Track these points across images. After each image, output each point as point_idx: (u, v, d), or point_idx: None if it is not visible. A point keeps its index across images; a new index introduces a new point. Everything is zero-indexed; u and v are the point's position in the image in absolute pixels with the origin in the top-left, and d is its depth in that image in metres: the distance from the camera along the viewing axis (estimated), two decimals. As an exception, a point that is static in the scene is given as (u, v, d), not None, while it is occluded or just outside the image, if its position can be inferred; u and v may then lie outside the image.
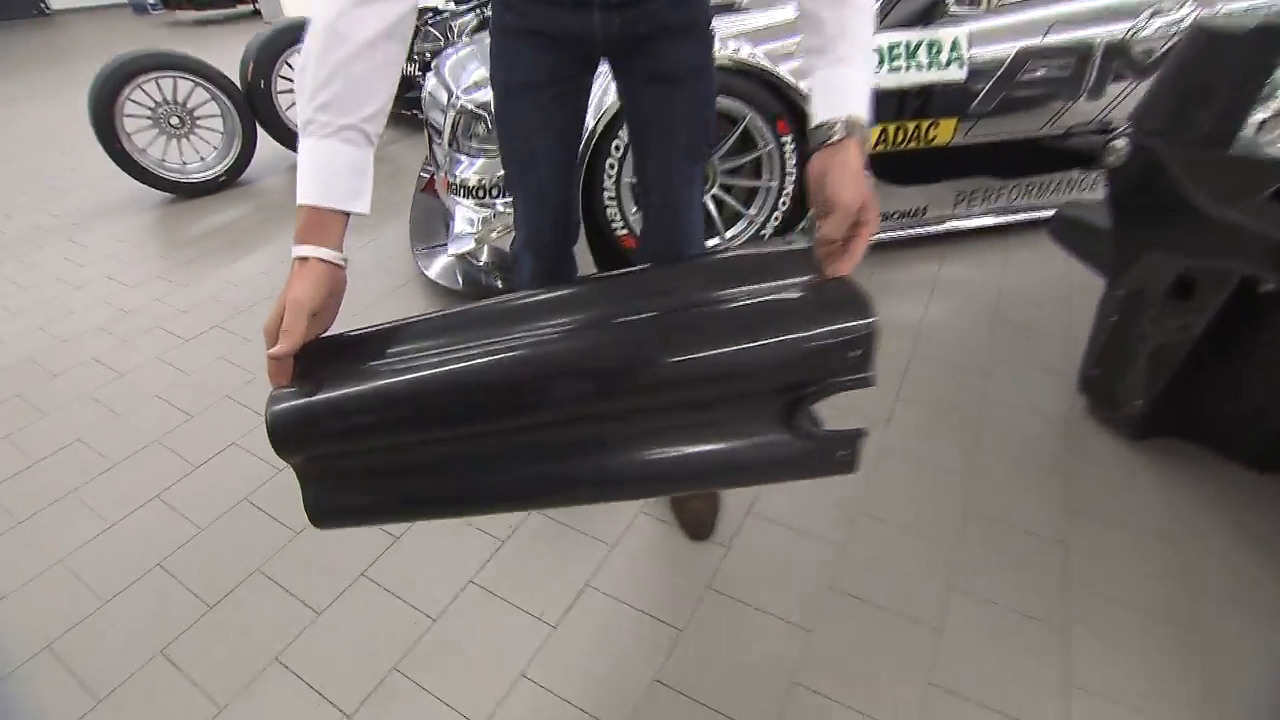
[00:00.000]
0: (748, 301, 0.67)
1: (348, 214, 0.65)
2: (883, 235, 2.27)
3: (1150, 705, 1.03)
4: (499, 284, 2.06)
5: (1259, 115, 2.08)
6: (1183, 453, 1.49)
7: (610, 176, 1.97)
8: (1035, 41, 2.08)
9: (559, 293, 0.74)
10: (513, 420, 0.66)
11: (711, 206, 2.14)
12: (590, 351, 0.66)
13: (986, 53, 2.06)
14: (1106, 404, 1.56)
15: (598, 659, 1.12)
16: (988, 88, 2.10)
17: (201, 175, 3.29)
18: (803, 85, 0.75)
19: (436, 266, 2.19)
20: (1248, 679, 1.07)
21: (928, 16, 2.03)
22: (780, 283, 0.68)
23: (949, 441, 1.57)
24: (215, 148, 3.37)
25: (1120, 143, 1.35)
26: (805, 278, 0.68)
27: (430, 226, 2.41)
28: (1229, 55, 1.23)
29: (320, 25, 0.63)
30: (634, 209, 2.04)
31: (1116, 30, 2.11)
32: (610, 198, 2.00)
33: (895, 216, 2.26)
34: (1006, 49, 2.07)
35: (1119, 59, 2.14)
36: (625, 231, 2.05)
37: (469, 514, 0.72)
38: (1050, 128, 2.24)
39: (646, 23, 1.00)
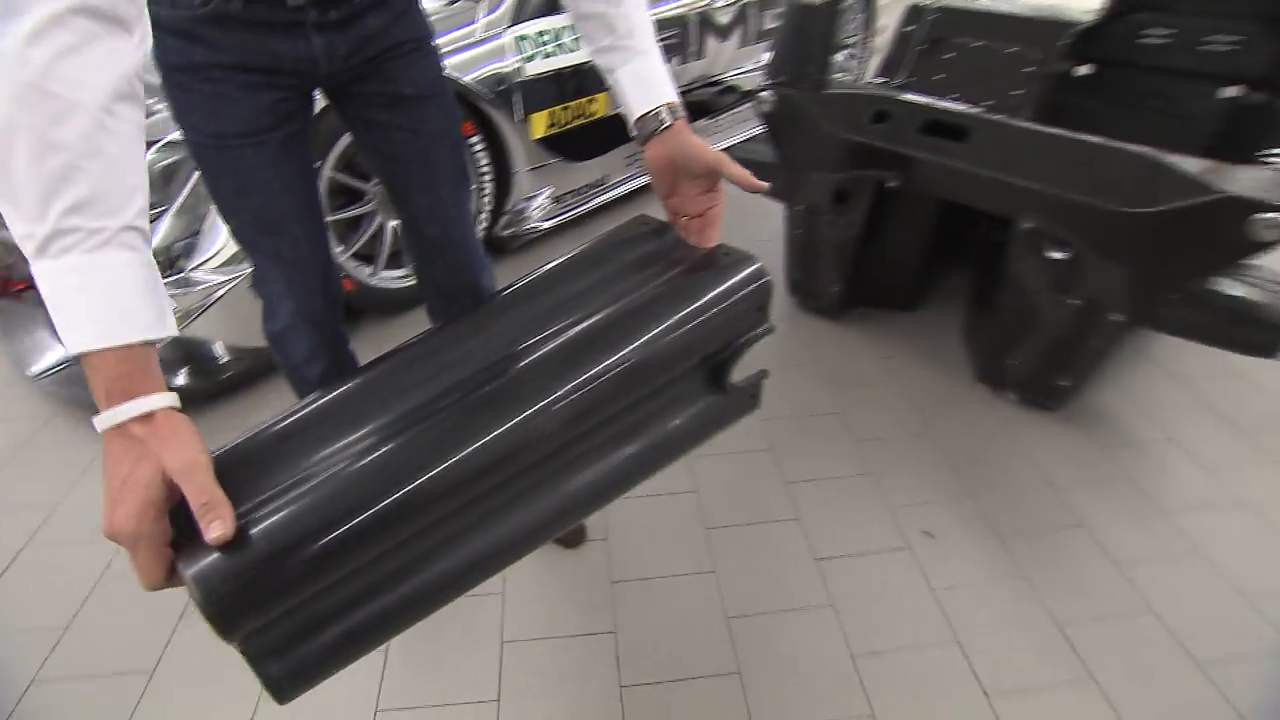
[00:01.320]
0: (646, 291, 0.66)
1: (155, 343, 0.49)
2: (578, 210, 2.43)
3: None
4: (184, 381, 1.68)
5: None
6: (868, 315, 2.00)
7: None
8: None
9: (448, 344, 0.67)
10: (467, 496, 0.59)
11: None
12: (526, 408, 0.59)
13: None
14: (811, 297, 1.98)
15: (558, 703, 1.11)
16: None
17: None
18: (608, 80, 0.78)
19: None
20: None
21: (555, 4, 2.18)
22: (663, 264, 0.71)
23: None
24: None
25: (766, 94, 1.68)
26: (682, 253, 0.73)
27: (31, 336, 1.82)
28: (815, 19, 1.61)
29: (17, 92, 0.43)
30: (349, 249, 1.85)
31: (700, 4, 2.54)
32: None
33: (584, 189, 2.43)
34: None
35: (707, 26, 2.58)
36: (342, 274, 1.85)
37: (439, 607, 0.64)
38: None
39: (375, 43, 0.91)
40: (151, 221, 1.47)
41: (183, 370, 1.67)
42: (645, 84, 0.77)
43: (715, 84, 2.78)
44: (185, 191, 1.61)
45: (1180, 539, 1.39)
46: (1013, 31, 2.29)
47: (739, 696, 1.09)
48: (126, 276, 0.47)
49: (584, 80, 2.26)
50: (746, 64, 2.96)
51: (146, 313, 0.48)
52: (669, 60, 2.11)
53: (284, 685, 0.54)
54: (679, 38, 2.50)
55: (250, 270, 1.23)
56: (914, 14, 2.40)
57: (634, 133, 0.78)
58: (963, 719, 1.07)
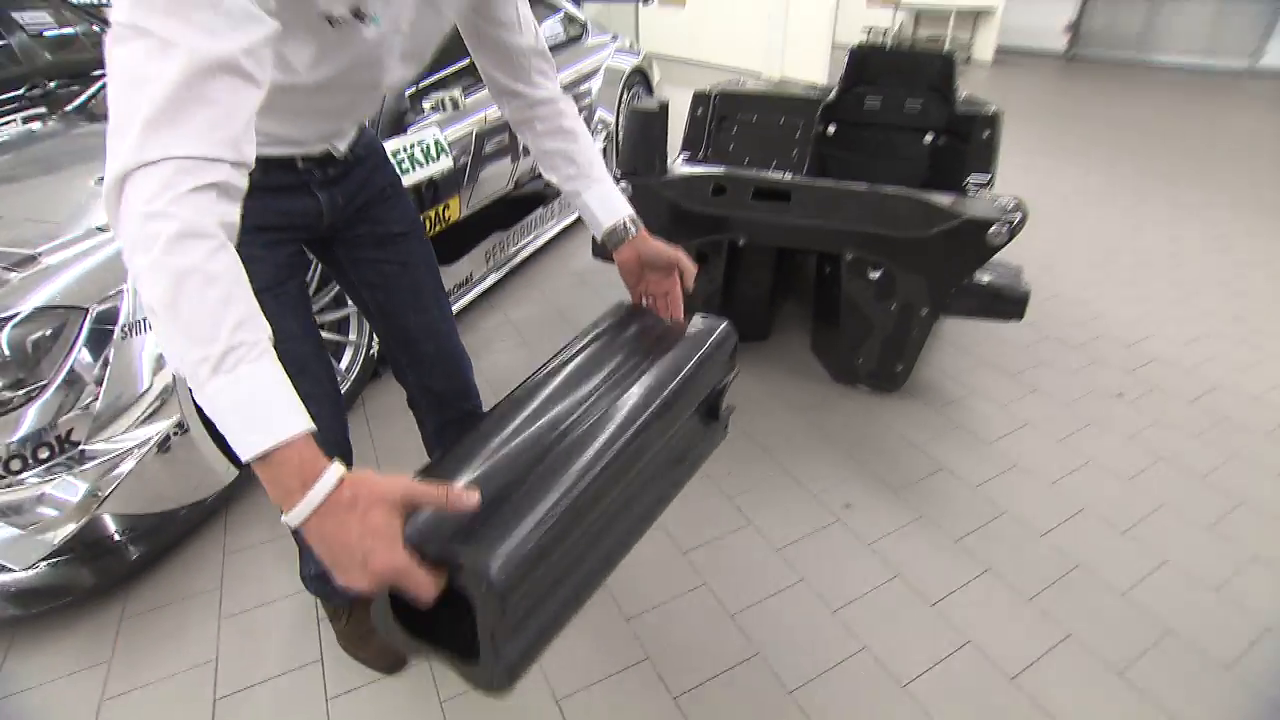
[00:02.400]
0: (661, 359, 0.88)
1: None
2: (455, 307, 2.56)
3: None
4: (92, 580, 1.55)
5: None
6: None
7: None
8: (479, 124, 2.64)
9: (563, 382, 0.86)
10: (610, 494, 0.75)
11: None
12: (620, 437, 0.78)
13: (457, 139, 2.51)
14: None
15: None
16: (468, 166, 2.57)
17: None
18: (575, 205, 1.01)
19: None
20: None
21: (400, 123, 2.34)
22: (661, 335, 0.94)
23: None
24: None
25: (623, 183, 2.00)
26: (668, 326, 0.98)
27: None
28: (653, 122, 1.98)
29: (176, 231, 0.52)
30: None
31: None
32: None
33: (456, 289, 2.57)
34: (467, 133, 2.56)
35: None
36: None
37: (598, 587, 0.80)
38: (512, 183, 2.88)
39: (363, 192, 1.07)
40: (23, 404, 1.40)
41: (86, 568, 1.54)
42: (608, 204, 1.04)
43: (540, 175, 3.09)
44: (68, 363, 1.52)
45: (1002, 458, 1.89)
46: (778, 107, 2.90)
47: (767, 670, 1.33)
48: (281, 379, 0.56)
49: (437, 190, 2.44)
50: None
51: (300, 406, 0.56)
52: (504, 161, 2.42)
53: (515, 668, 0.64)
54: (509, 140, 2.77)
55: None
56: (699, 100, 2.93)
57: (601, 239, 1.04)
58: (920, 626, 1.41)
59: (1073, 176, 4.55)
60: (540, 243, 3.10)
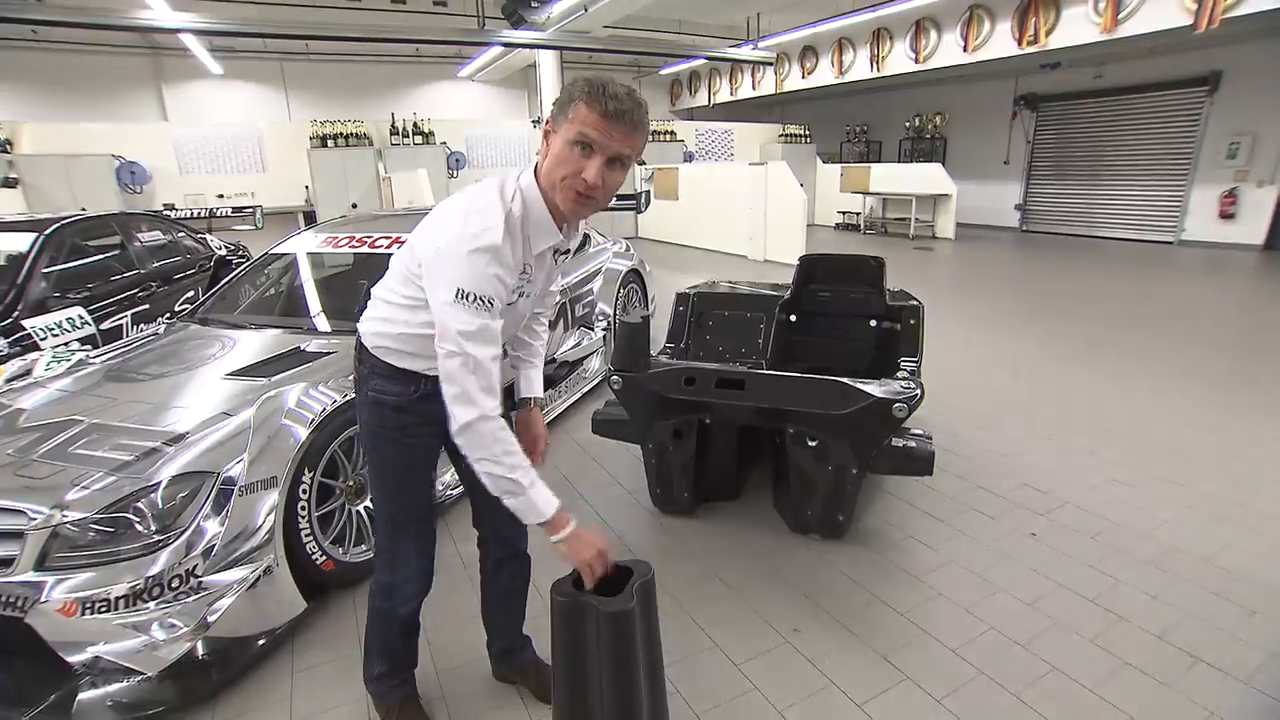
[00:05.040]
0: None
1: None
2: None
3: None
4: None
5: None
6: (710, 507, 2.86)
7: (304, 510, 2.21)
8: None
9: None
10: None
11: (366, 518, 2.50)
12: None
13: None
14: (670, 504, 2.82)
15: None
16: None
17: None
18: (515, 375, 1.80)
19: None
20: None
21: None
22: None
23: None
24: None
25: (615, 377, 2.61)
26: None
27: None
28: (638, 331, 2.63)
29: (497, 425, 1.32)
30: (329, 539, 2.31)
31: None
32: (306, 532, 2.22)
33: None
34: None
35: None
36: (324, 558, 2.29)
37: None
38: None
39: None
40: (161, 546, 1.89)
41: (178, 684, 1.91)
42: (532, 384, 1.78)
43: (551, 361, 3.77)
44: (199, 516, 2.02)
45: (928, 589, 2.32)
46: (746, 305, 3.60)
47: None
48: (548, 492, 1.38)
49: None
50: (570, 342, 4.03)
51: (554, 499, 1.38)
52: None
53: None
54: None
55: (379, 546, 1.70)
56: (681, 299, 3.65)
57: (518, 406, 1.74)
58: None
59: (1012, 345, 5.26)
60: (550, 418, 3.69)
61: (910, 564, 2.48)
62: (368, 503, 2.54)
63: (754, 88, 14.70)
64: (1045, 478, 3.09)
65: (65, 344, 3.87)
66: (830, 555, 2.55)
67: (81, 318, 4.13)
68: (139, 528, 1.97)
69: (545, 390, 3.69)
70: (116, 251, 4.74)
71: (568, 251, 1.57)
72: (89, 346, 3.72)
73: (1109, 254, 10.15)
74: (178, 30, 9.18)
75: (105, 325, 4.26)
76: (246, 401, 2.29)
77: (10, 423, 2.32)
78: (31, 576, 1.88)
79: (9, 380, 2.89)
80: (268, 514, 2.08)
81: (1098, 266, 9.07)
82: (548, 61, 11.59)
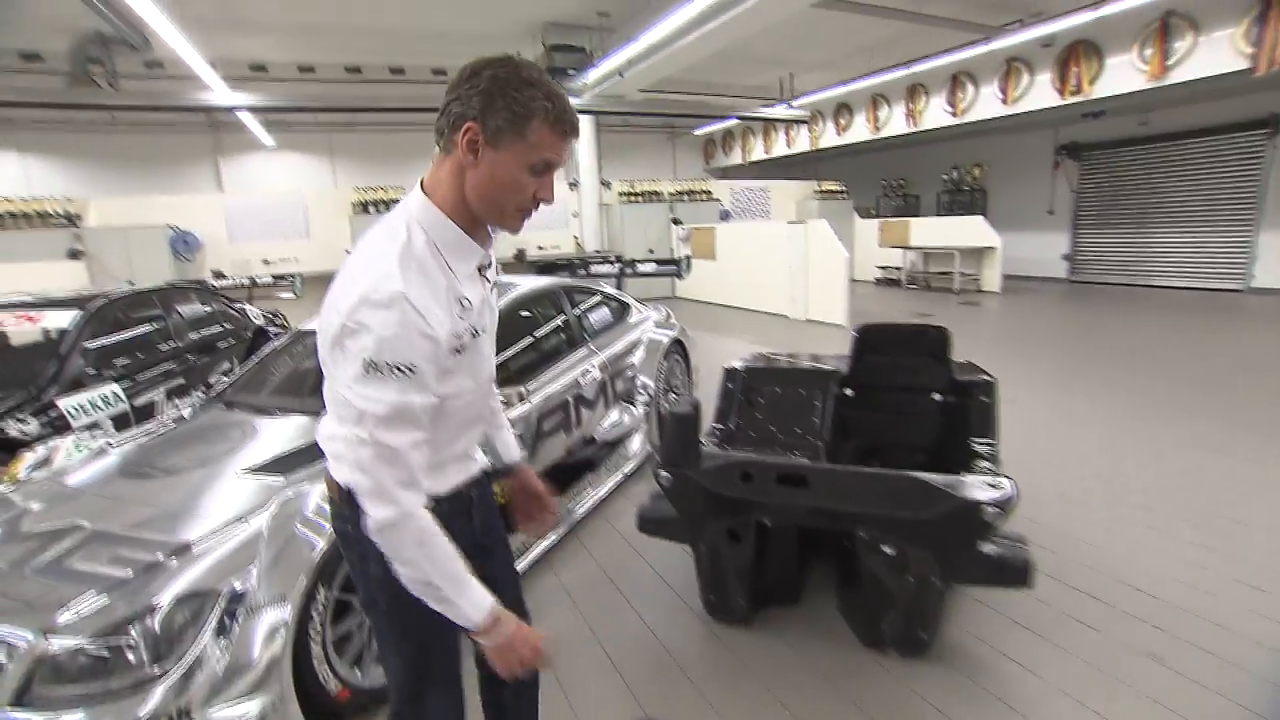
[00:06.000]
0: None
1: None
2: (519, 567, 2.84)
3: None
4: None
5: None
6: (767, 615, 2.55)
7: (317, 633, 1.97)
8: (541, 403, 3.12)
9: None
10: None
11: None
12: None
13: (519, 417, 2.98)
14: (725, 613, 2.51)
15: None
16: (531, 439, 3.00)
17: None
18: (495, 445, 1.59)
19: None
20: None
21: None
22: None
23: (656, 665, 2.22)
24: None
25: (662, 473, 2.35)
26: None
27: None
28: (687, 422, 2.38)
29: (418, 526, 1.10)
30: (345, 663, 2.07)
31: (572, 389, 3.36)
32: (319, 658, 1.98)
33: (517, 555, 2.86)
34: (525, 416, 3.03)
35: (581, 402, 3.38)
36: (339, 686, 2.04)
37: None
38: (565, 452, 3.30)
39: (489, 511, 1.46)
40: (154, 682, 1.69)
41: None
42: (509, 447, 1.59)
43: (591, 442, 3.53)
44: (199, 645, 1.80)
45: (1037, 735, 1.95)
46: (799, 380, 3.33)
47: None
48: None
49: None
50: (610, 420, 3.79)
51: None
52: (559, 434, 2.88)
53: None
54: (564, 417, 3.25)
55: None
56: (730, 376, 3.39)
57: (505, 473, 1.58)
58: None
59: (1079, 407, 4.84)
60: (590, 505, 3.43)
61: (1006, 690, 2.12)
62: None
63: (788, 145, 14.73)
64: (1153, 578, 2.69)
65: (94, 424, 3.79)
66: (911, 678, 2.20)
67: (115, 394, 4.06)
68: (131, 657, 1.76)
69: (585, 474, 3.49)
70: (156, 326, 4.73)
71: (491, 265, 1.29)
72: (102, 430, 3.63)
73: (1169, 303, 9.63)
74: (235, 108, 9.63)
75: (140, 401, 4.19)
76: (260, 504, 2.10)
77: (13, 527, 2.16)
78: (10, 715, 1.67)
79: (32, 469, 2.78)
80: (274, 640, 1.85)
81: (1160, 316, 8.58)
82: (583, 125, 11.80)
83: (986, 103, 10.37)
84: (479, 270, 1.23)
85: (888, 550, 2.15)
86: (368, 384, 1.04)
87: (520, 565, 2.86)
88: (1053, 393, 5.27)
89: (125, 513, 2.18)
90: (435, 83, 11.33)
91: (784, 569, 2.55)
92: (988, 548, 2.11)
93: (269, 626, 1.86)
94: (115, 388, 4.08)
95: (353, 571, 1.32)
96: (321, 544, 1.99)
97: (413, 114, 13.21)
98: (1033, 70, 9.57)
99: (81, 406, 3.84)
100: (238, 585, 1.87)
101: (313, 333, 3.37)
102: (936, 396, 3.28)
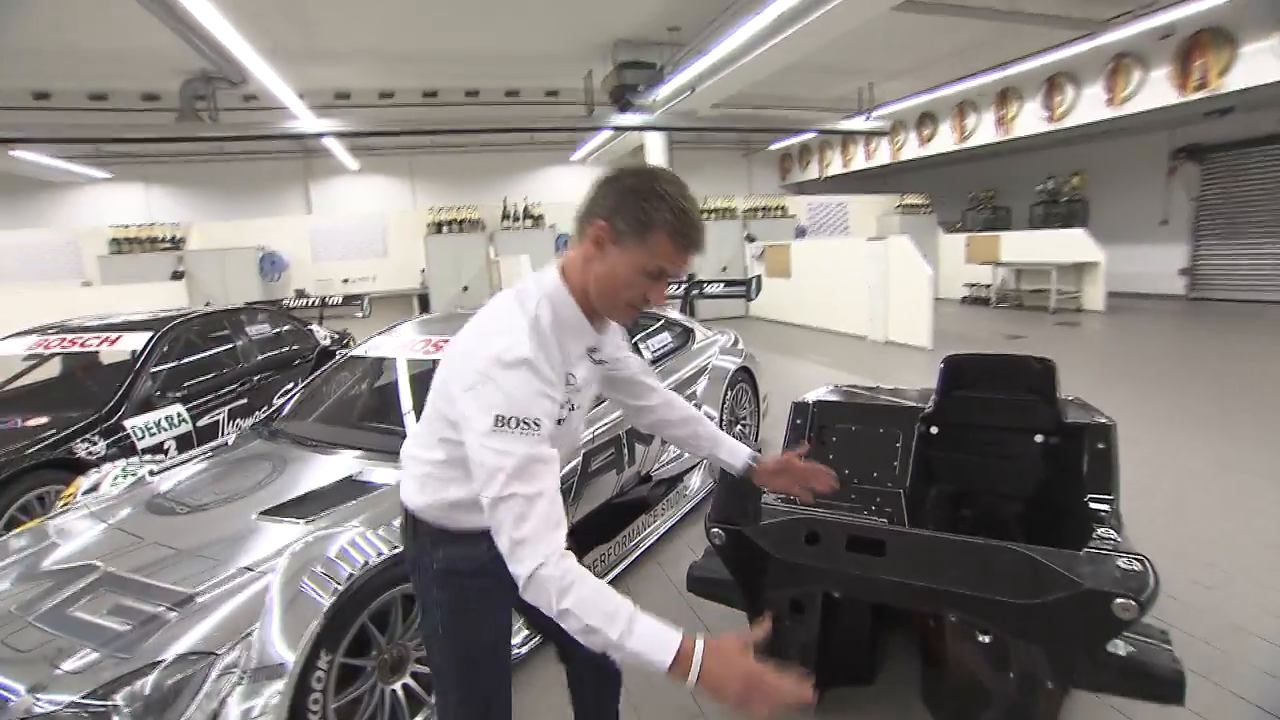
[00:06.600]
0: None
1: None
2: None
3: None
4: None
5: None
6: (835, 696, 2.19)
7: (316, 705, 1.77)
8: (589, 439, 2.88)
9: None
10: None
11: (402, 698, 2.05)
12: None
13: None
14: None
15: None
16: (574, 485, 2.76)
17: None
18: (711, 460, 1.69)
19: None
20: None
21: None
22: None
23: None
24: None
25: (715, 530, 2.04)
26: None
27: None
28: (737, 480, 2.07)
29: (576, 576, 1.06)
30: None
31: (625, 423, 3.10)
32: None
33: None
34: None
35: (634, 436, 3.12)
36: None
37: None
38: (616, 490, 3.04)
39: None
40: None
41: None
42: (735, 456, 1.65)
43: (647, 479, 3.26)
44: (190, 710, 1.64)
45: None
46: (878, 417, 2.95)
47: None
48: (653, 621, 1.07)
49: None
50: (669, 455, 3.51)
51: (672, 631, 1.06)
52: (609, 472, 2.63)
53: None
54: (615, 454, 2.99)
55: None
56: (799, 410, 3.04)
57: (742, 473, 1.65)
58: None
59: (1209, 449, 4.16)
60: (644, 547, 3.15)
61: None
62: (407, 679, 2.08)
63: (867, 158, 14.12)
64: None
65: (159, 446, 3.84)
66: (1016, 797, 1.78)
67: (180, 415, 4.12)
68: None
69: (639, 514, 3.18)
70: (223, 347, 4.81)
71: (597, 351, 1.40)
72: (165, 454, 3.64)
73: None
74: (322, 135, 10.03)
75: (203, 422, 4.24)
76: (274, 553, 1.94)
77: (34, 564, 2.09)
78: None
79: (84, 494, 2.77)
80: (264, 710, 1.66)
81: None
82: (655, 142, 11.66)
83: (1089, 105, 9.52)
84: (589, 352, 1.36)
85: (983, 638, 1.76)
86: (498, 438, 1.10)
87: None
88: (1167, 431, 4.59)
89: (140, 553, 2.07)
90: (509, 104, 11.49)
91: (855, 640, 2.19)
92: (1120, 647, 1.69)
93: (265, 696, 1.68)
94: (180, 409, 4.14)
95: (418, 599, 1.44)
96: (327, 602, 1.80)
97: (487, 135, 13.53)
98: (1146, 65, 8.69)
99: (147, 428, 3.90)
100: (236, 648, 1.70)
101: (363, 359, 3.32)
102: (1039, 438, 2.82)
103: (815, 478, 1.62)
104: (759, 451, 1.60)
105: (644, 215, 1.16)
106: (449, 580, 1.35)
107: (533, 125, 10.83)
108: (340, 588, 1.82)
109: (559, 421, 1.22)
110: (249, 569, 1.91)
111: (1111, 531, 2.07)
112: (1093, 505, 2.28)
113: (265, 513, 2.18)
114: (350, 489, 2.30)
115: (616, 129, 10.36)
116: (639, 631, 1.03)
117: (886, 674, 2.28)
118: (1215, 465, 3.97)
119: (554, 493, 1.12)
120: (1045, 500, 2.74)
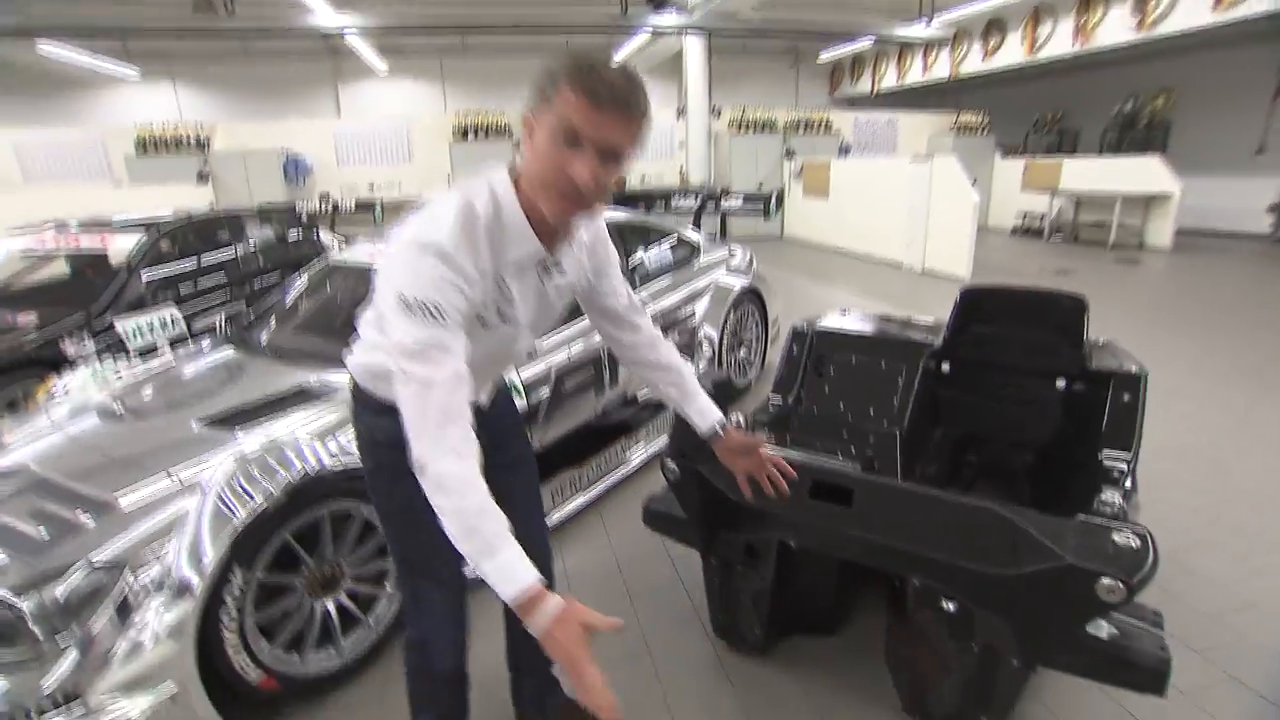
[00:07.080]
0: None
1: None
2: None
3: None
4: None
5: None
6: (793, 646, 2.06)
7: (231, 622, 1.72)
8: (563, 360, 2.70)
9: None
10: None
11: (334, 615, 1.99)
12: None
13: (534, 378, 2.58)
14: (736, 638, 2.04)
15: None
16: (545, 402, 2.61)
17: None
18: (681, 410, 1.59)
19: None
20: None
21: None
22: None
23: (643, 689, 1.81)
24: None
25: (670, 465, 1.87)
26: None
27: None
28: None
29: (438, 471, 1.04)
30: (266, 646, 1.82)
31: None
32: (234, 645, 1.73)
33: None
34: (544, 372, 2.63)
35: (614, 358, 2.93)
36: (261, 674, 1.79)
37: None
38: (597, 412, 2.88)
39: (499, 428, 1.48)
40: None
41: None
42: (706, 412, 1.57)
43: (632, 402, 3.08)
44: (100, 622, 1.59)
45: None
46: (882, 349, 2.67)
47: None
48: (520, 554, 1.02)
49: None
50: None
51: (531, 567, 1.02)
52: (586, 393, 2.57)
53: None
54: (592, 374, 2.81)
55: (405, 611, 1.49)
56: (796, 337, 2.78)
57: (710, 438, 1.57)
58: None
59: (1272, 412, 3.78)
60: (624, 474, 3.01)
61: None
62: (341, 597, 2.02)
63: (925, 71, 13.01)
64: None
65: (152, 347, 3.81)
66: (969, 767, 1.64)
67: (174, 317, 4.07)
68: (35, 628, 1.57)
69: (621, 434, 3.06)
70: (222, 250, 4.72)
71: (558, 265, 1.31)
72: (157, 353, 3.61)
73: None
74: (341, 30, 9.59)
75: (199, 325, 4.20)
76: (203, 465, 1.84)
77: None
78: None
79: (51, 396, 2.73)
80: (178, 625, 1.60)
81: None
82: (695, 47, 10.91)
83: (1189, 10, 8.39)
84: (537, 264, 1.27)
85: (946, 604, 1.57)
86: (402, 316, 1.07)
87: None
88: (1219, 387, 4.16)
89: (75, 458, 2.01)
90: (542, 3, 10.80)
91: (817, 588, 2.03)
92: (1101, 628, 1.48)
93: (176, 609, 1.61)
94: (174, 311, 4.09)
95: (365, 475, 1.42)
96: (242, 515, 1.70)
97: (520, 35, 12.85)
98: (1257, -34, 7.58)
99: (139, 329, 3.86)
100: (150, 559, 1.63)
101: (343, 267, 3.18)
102: (1060, 383, 2.53)
103: (775, 477, 1.58)
104: (730, 423, 1.57)
105: (549, 79, 1.09)
106: (370, 446, 1.39)
107: (567, 26, 10.18)
108: (258, 503, 1.72)
109: (484, 325, 1.22)
110: (176, 479, 1.82)
111: (1117, 495, 1.83)
112: (1107, 463, 2.03)
113: (205, 421, 2.08)
114: (300, 396, 2.19)
115: (653, 30, 9.66)
116: (498, 560, 1.01)
117: (855, 627, 2.13)
118: (1270, 428, 3.59)
119: (451, 383, 1.08)
120: (1059, 452, 2.49)
